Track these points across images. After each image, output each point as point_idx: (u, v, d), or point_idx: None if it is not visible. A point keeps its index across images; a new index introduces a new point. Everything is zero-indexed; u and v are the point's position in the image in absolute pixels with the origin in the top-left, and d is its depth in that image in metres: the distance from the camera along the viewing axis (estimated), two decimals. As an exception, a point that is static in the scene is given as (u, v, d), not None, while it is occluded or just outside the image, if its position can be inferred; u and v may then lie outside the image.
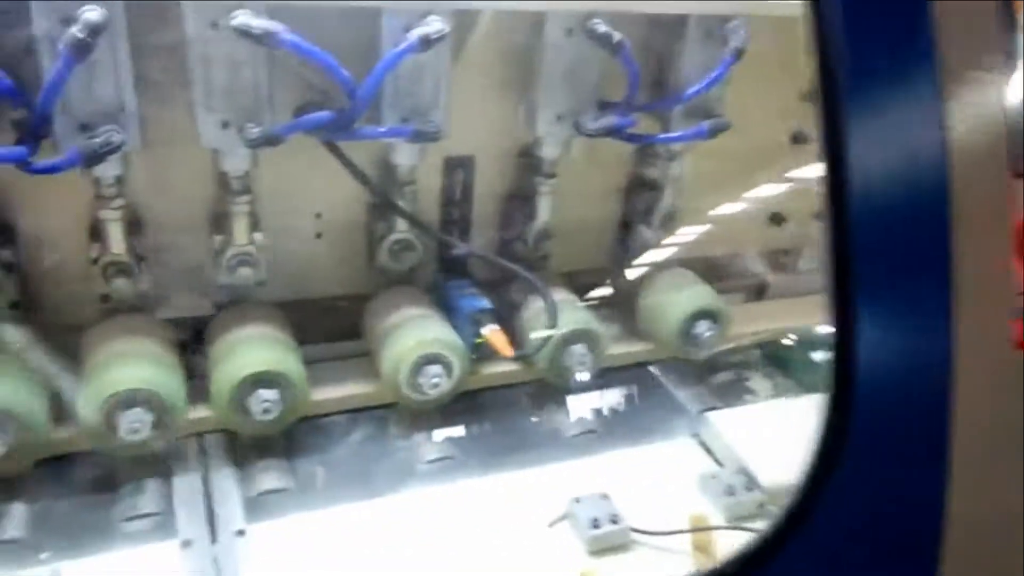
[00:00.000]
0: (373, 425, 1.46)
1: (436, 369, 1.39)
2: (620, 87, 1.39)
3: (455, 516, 1.29)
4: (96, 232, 1.27)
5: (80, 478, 1.25)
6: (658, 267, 1.73)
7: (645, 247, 1.74)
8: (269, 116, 1.22)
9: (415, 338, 1.40)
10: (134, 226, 1.30)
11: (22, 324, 1.28)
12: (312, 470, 1.35)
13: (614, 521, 1.26)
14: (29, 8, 1.04)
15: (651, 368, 1.69)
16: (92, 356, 1.26)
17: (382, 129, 1.29)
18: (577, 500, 1.30)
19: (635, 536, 1.25)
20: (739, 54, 1.39)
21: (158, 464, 1.28)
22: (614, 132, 1.42)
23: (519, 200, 1.59)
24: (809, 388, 1.67)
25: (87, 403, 1.19)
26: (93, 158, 1.10)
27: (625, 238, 1.74)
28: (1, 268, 1.22)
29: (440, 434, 1.46)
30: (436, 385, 1.39)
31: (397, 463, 1.39)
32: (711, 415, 1.51)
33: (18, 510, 1.19)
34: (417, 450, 1.42)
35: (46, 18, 1.04)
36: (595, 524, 1.25)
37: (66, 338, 1.31)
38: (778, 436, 1.45)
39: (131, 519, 1.20)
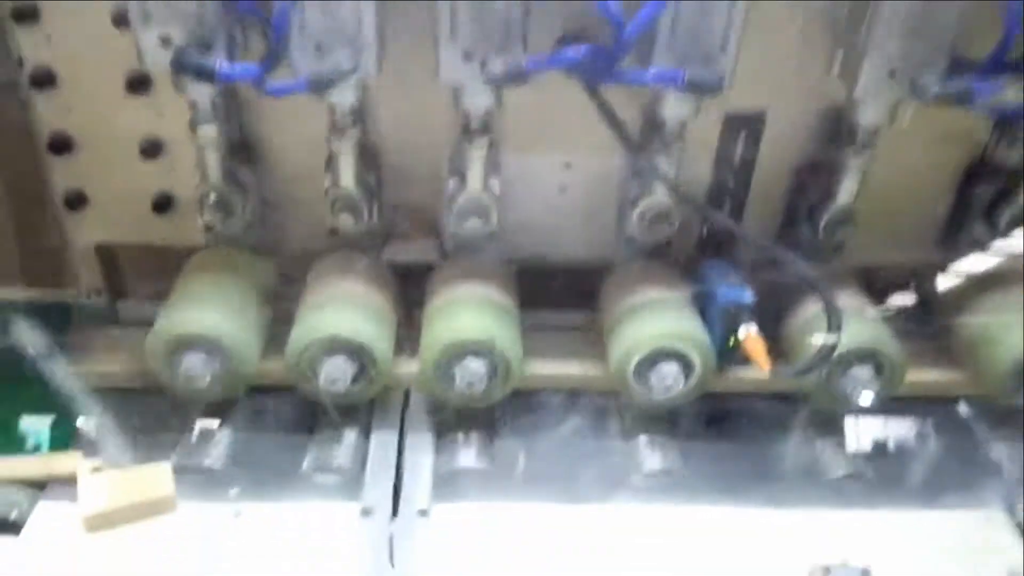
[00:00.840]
0: (592, 414, 1.27)
1: (672, 368, 1.16)
2: (978, 40, 1.02)
3: (669, 548, 1.08)
4: (331, 162, 1.20)
5: (285, 414, 1.22)
6: (995, 280, 1.32)
7: (979, 250, 1.34)
8: (519, 49, 1.03)
9: (654, 327, 1.18)
10: (369, 160, 1.21)
11: (254, 249, 1.26)
12: (514, 454, 1.20)
13: (873, 612, 0.97)
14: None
15: (960, 407, 1.31)
16: (308, 293, 1.20)
17: (651, 73, 1.05)
18: (827, 570, 1.02)
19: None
20: None
21: (359, 415, 1.21)
22: (969, 99, 1.03)
23: (816, 173, 1.26)
24: None
25: (292, 343, 1.14)
26: (321, 84, 1.00)
27: (953, 235, 1.35)
28: (238, 188, 1.19)
29: (666, 442, 1.23)
30: (669, 387, 1.17)
31: (610, 467, 1.19)
32: (1039, 491, 1.12)
33: (221, 439, 1.18)
34: (636, 456, 1.21)
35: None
36: (845, 611, 0.97)
37: (299, 267, 1.29)
38: None
39: (320, 471, 1.15)
